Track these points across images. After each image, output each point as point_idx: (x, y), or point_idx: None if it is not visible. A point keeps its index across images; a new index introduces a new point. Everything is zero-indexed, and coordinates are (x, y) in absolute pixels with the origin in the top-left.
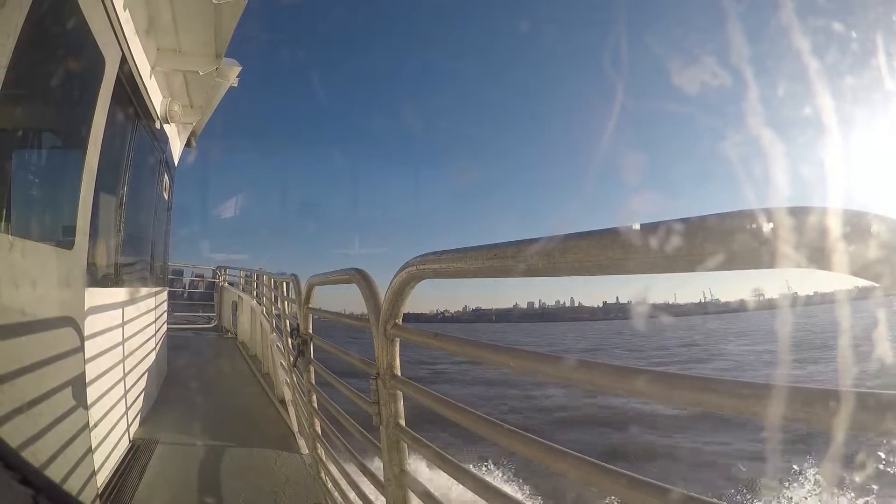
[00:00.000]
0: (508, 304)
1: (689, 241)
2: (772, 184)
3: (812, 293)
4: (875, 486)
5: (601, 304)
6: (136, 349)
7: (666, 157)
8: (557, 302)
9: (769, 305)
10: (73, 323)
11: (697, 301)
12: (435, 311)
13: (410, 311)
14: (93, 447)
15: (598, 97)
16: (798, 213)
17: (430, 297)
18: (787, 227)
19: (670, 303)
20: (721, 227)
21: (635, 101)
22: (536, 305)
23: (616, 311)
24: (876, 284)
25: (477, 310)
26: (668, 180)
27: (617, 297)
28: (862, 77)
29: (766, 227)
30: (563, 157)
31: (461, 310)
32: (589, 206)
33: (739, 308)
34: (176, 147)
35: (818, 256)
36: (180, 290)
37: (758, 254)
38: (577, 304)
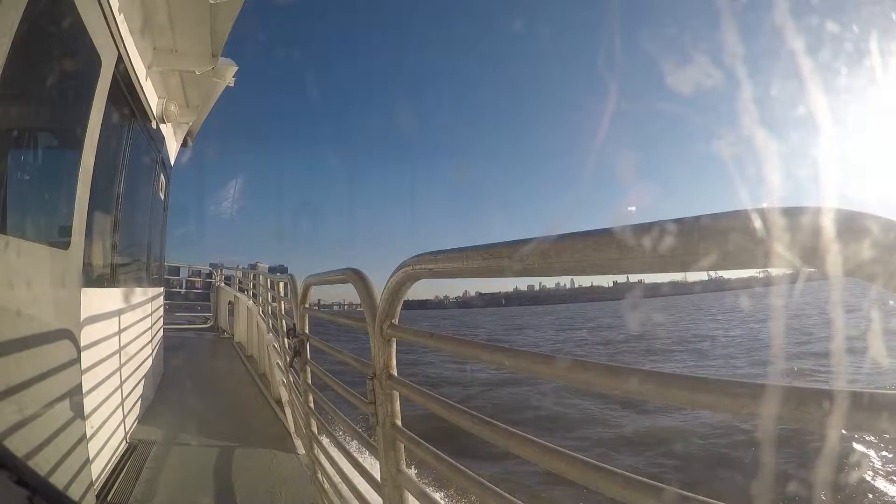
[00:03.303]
0: (509, 288)
1: (684, 242)
2: (765, 183)
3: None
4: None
5: (612, 284)
6: (133, 350)
7: (660, 157)
8: (557, 284)
9: (767, 282)
10: (68, 323)
11: (707, 279)
12: (436, 298)
13: (416, 298)
14: (89, 447)
15: (592, 97)
16: (792, 212)
17: (427, 282)
18: (780, 226)
19: (681, 281)
20: (715, 227)
21: (629, 101)
22: (537, 288)
23: (626, 291)
24: (871, 284)
25: (484, 294)
26: (662, 179)
27: (627, 277)
28: (856, 76)
29: (760, 227)
30: (558, 156)
31: (461, 295)
32: (583, 205)
33: (740, 286)
34: (172, 147)
35: (812, 256)
36: (177, 289)
37: (752, 254)
38: (576, 286)
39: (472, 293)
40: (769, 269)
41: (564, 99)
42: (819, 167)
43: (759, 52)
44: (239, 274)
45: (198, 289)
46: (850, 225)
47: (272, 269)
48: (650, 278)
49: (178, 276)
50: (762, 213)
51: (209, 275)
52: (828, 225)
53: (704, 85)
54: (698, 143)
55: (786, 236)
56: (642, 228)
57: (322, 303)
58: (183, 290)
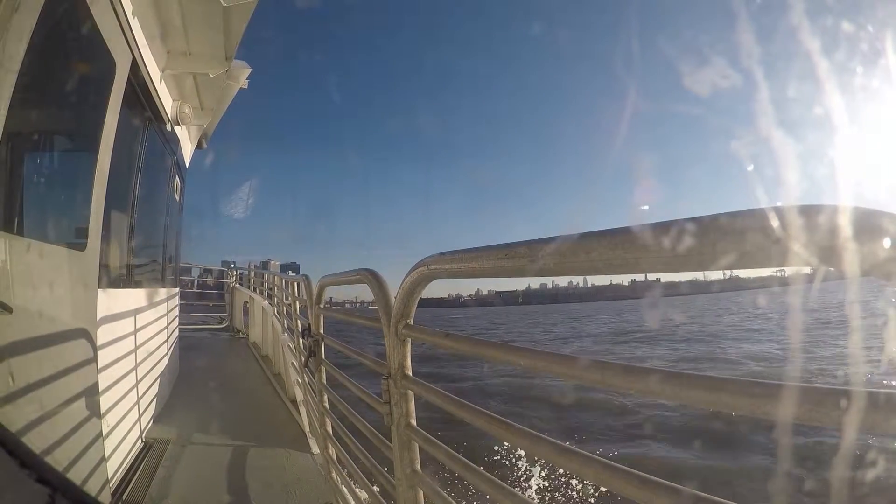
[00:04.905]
0: (522, 286)
1: (701, 241)
2: (783, 183)
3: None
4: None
5: (630, 283)
6: (149, 349)
7: (677, 157)
8: (570, 283)
9: (784, 282)
10: (85, 324)
11: (724, 278)
12: (450, 296)
13: (432, 296)
14: (105, 446)
15: (610, 98)
16: (809, 211)
17: (441, 282)
18: (798, 225)
19: (700, 280)
20: (732, 226)
21: (647, 103)
22: (549, 286)
23: (644, 290)
24: (888, 283)
25: (500, 293)
26: (679, 179)
27: (646, 276)
28: (871, 76)
29: (778, 226)
30: (576, 156)
31: (474, 293)
32: (601, 204)
33: (757, 285)
34: (187, 149)
35: (829, 255)
36: (190, 289)
37: (769, 253)
38: (589, 285)
39: (485, 291)
40: (786, 268)
41: (583, 100)
42: (836, 167)
43: (776, 54)
44: (252, 272)
45: (211, 288)
46: (867, 223)
47: (283, 267)
48: (668, 276)
49: (191, 275)
50: (779, 212)
51: (221, 274)
52: (845, 223)
53: (721, 86)
54: (715, 144)
55: (803, 235)
56: (660, 228)
57: (333, 301)
58: (196, 290)
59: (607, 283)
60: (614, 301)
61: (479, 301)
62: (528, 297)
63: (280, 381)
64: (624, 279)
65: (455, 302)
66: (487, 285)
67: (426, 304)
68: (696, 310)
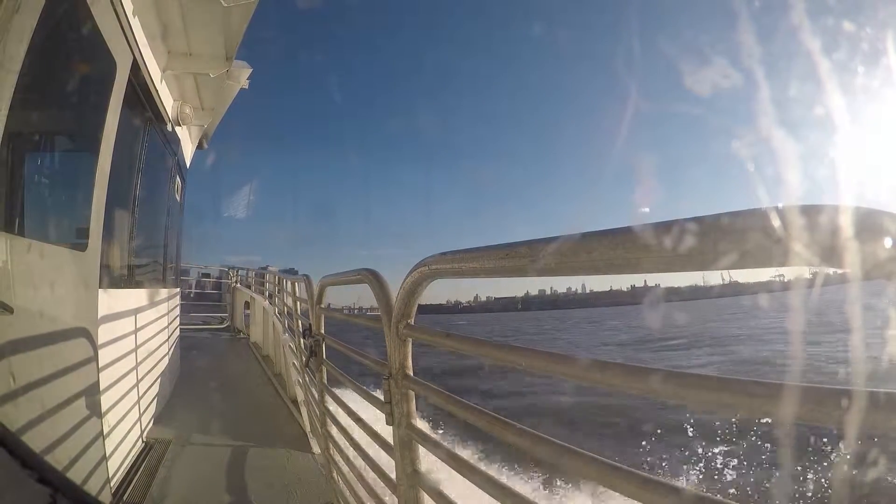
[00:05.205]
0: (520, 292)
1: (703, 240)
2: (784, 182)
3: (831, 272)
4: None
5: (629, 288)
6: (150, 350)
7: (679, 157)
8: (568, 289)
9: (784, 287)
10: (86, 324)
11: (724, 283)
12: (448, 302)
13: (431, 303)
14: (106, 445)
15: (611, 99)
16: (810, 211)
17: (439, 287)
18: (799, 225)
19: (702, 285)
20: (734, 226)
21: (648, 103)
22: (548, 292)
23: (643, 296)
24: (889, 283)
25: (500, 298)
26: (679, 181)
27: (645, 281)
28: (873, 76)
29: (779, 226)
30: (576, 158)
31: (472, 299)
32: (602, 207)
33: (758, 289)
34: (188, 149)
35: (830, 255)
36: (188, 290)
37: (770, 252)
38: (588, 291)
39: (483, 297)
40: (787, 269)
41: (584, 101)
42: (837, 167)
43: (777, 54)
44: (252, 277)
45: (209, 289)
46: (868, 223)
47: (282, 272)
48: (668, 281)
49: (189, 275)
50: (780, 212)
51: (220, 275)
52: (846, 223)
53: (722, 86)
54: (716, 144)
55: (804, 235)
56: (662, 227)
57: (331, 307)
58: (194, 290)
59: (607, 288)
60: (616, 307)
61: (481, 307)
62: (528, 302)
63: (281, 381)
64: (623, 285)
65: (454, 308)
66: (486, 291)
67: (423, 310)
68: (709, 314)
